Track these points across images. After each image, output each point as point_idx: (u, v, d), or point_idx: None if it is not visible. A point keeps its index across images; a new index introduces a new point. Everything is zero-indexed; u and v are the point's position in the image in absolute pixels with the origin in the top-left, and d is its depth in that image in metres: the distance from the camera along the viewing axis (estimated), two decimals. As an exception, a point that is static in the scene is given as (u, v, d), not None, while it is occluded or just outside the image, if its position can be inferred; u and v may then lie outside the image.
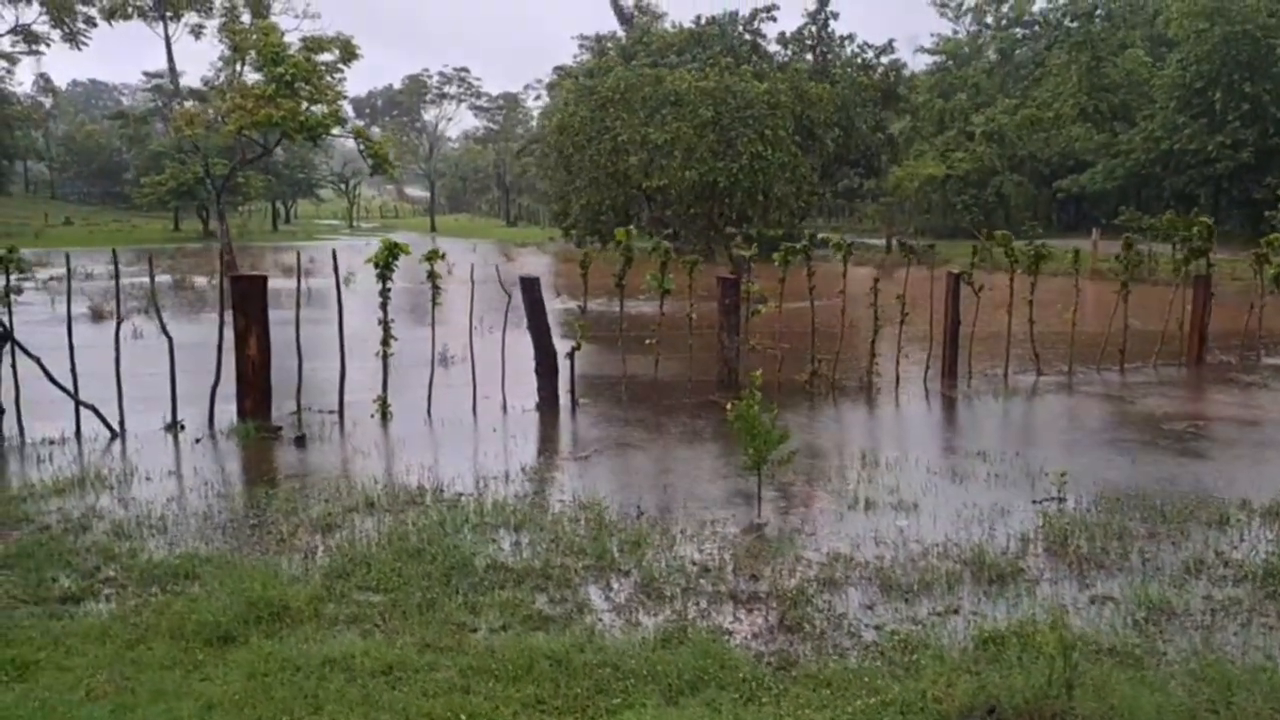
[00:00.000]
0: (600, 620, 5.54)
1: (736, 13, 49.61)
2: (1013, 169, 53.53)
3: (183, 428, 10.15)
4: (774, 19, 49.24)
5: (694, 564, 6.37)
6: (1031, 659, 4.86)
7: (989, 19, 76.64)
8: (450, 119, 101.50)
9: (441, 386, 11.49)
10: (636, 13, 58.50)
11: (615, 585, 6.05)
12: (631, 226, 12.48)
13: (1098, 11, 66.12)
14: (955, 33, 79.50)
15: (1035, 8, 71.66)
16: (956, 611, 5.66)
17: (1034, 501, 7.73)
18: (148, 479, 8.37)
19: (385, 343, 10.92)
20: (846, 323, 12.85)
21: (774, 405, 7.91)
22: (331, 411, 10.80)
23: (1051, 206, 56.06)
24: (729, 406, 7.65)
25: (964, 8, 78.71)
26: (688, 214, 38.14)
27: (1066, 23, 67.12)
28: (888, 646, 5.16)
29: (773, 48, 50.06)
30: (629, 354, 12.14)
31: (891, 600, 5.82)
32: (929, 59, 77.06)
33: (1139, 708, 4.35)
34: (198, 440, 9.84)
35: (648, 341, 11.99)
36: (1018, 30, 72.74)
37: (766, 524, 7.26)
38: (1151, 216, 34.58)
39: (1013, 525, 7.13)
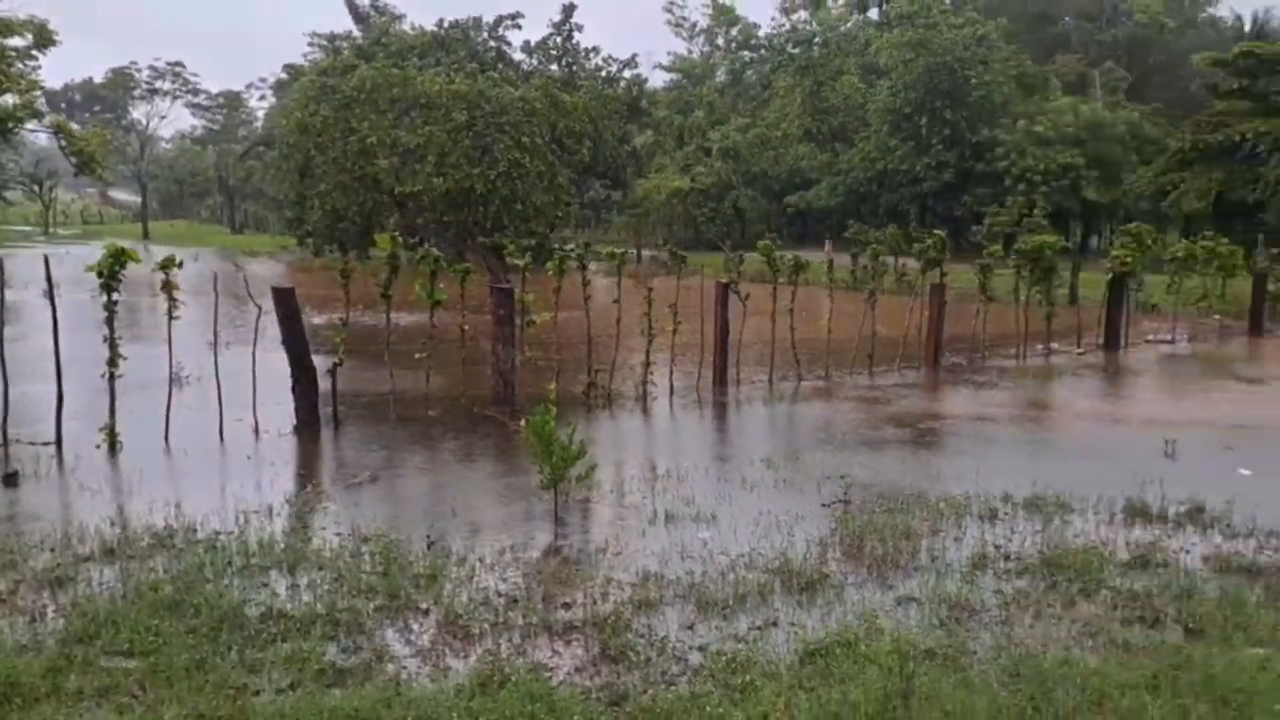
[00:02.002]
0: (404, 668, 4.96)
1: (480, 18, 48.97)
2: (747, 184, 56.31)
3: None
4: (519, 27, 49.10)
5: (499, 595, 5.90)
6: (860, 669, 4.81)
7: (720, 40, 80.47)
8: (164, 117, 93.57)
9: (180, 410, 10.26)
10: (373, 12, 56.43)
11: (415, 626, 5.47)
12: (397, 234, 11.71)
13: (816, 39, 71.01)
14: (690, 52, 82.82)
15: (761, 32, 76.00)
16: (775, 624, 5.54)
17: (823, 505, 7.85)
18: None
19: (113, 362, 9.60)
20: (620, 332, 12.74)
21: (571, 421, 7.57)
22: (47, 443, 9.36)
23: (782, 220, 59.43)
24: (522, 423, 7.23)
25: (697, 28, 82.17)
26: (441, 221, 36.96)
27: (789, 48, 71.60)
28: (716, 668, 4.94)
29: (518, 56, 49.88)
30: (397, 369, 11.39)
31: (710, 618, 5.62)
32: (667, 76, 79.78)
33: (974, 712, 4.36)
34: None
35: (417, 355, 11.30)
36: (746, 53, 76.82)
37: (569, 545, 6.90)
38: (876, 230, 37.31)
39: (809, 530, 7.16)
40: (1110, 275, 18.24)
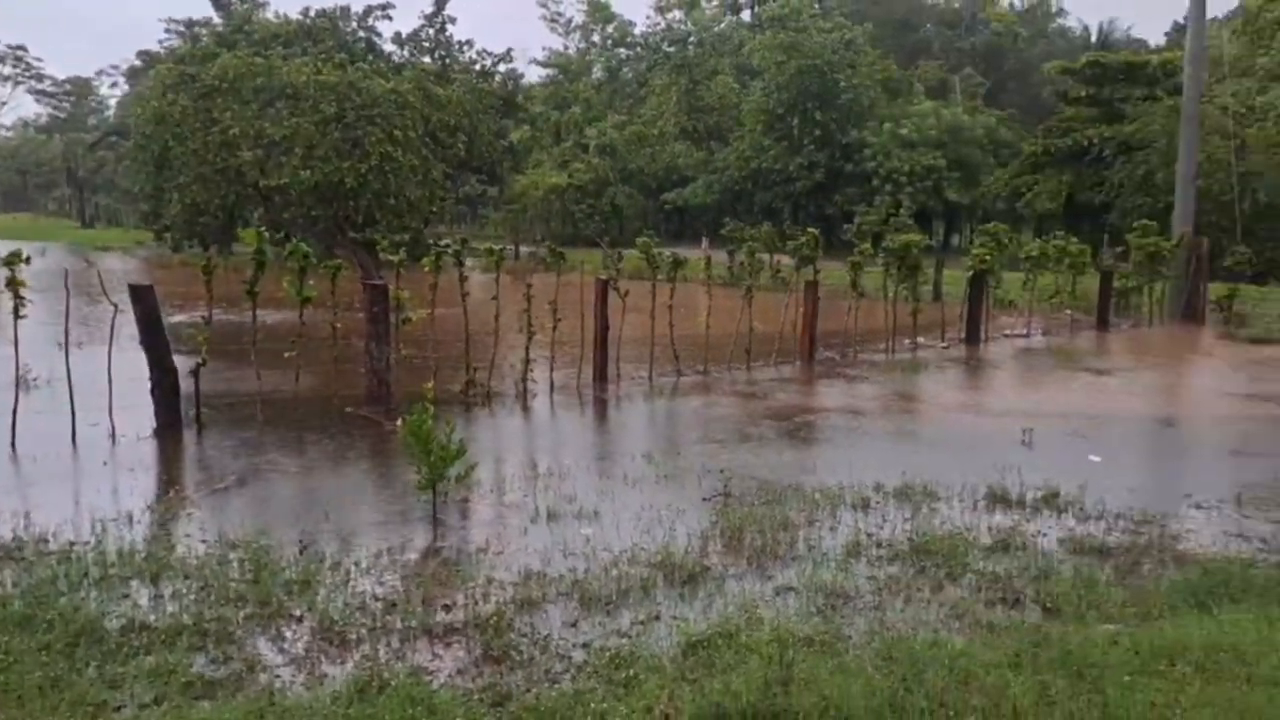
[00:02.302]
0: (277, 678, 4.79)
1: (349, 8, 47.73)
2: (624, 181, 56.60)
3: None
4: (389, 17, 48.09)
5: (376, 599, 5.76)
6: (741, 659, 4.89)
7: (596, 37, 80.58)
8: (4, 103, 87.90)
9: (28, 415, 9.64)
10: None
11: (288, 635, 5.29)
12: (263, 229, 11.29)
13: (691, 39, 71.87)
14: (566, 48, 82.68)
15: (637, 30, 76.48)
16: (658, 618, 5.58)
17: (704, 499, 7.95)
18: None
19: (-47, 364, 8.96)
20: (498, 329, 12.61)
21: (450, 420, 7.45)
22: (-124, 452, 8.68)
23: (660, 217, 59.97)
24: (398, 422, 7.07)
25: (573, 24, 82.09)
26: (309, 216, 35.80)
27: (665, 47, 72.27)
28: (600, 664, 4.94)
29: (389, 47, 48.84)
30: (264, 369, 10.98)
31: (593, 614, 5.62)
32: (543, 71, 79.44)
33: (850, 695, 4.47)
34: None
35: (286, 355, 10.92)
36: (622, 50, 77.16)
37: (448, 546, 6.79)
38: (751, 227, 37.97)
39: (690, 524, 7.24)
40: (971, 273, 19.05)
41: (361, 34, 47.90)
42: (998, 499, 8.00)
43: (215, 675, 4.76)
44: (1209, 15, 26.26)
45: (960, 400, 13.49)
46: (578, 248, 35.82)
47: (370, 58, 44.32)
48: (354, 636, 5.26)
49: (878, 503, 7.93)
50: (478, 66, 48.26)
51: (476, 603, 5.72)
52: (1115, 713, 4.30)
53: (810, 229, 18.73)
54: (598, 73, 76.51)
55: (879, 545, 6.89)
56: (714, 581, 6.15)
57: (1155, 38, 72.80)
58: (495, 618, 5.47)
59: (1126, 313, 23.12)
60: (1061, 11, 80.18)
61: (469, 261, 13.20)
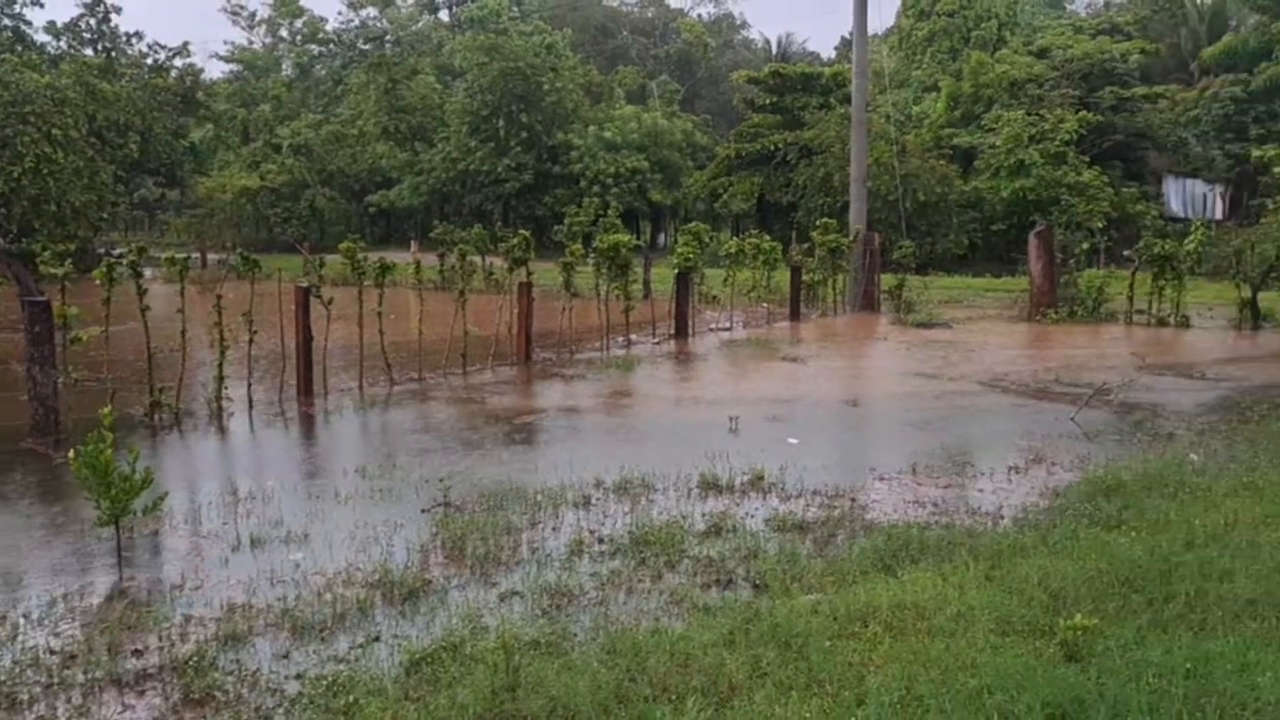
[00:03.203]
0: (-74, 760, 4.13)
1: (-9, -7, 42.46)
2: (324, 183, 54.23)
3: None
4: (41, 5, 43.24)
5: (52, 652, 5.12)
6: (467, 671, 4.79)
7: (284, 32, 76.67)
8: None
9: None
10: None
11: (-60, 707, 4.58)
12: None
13: (388, 37, 70.10)
14: (251, 43, 78.05)
15: (329, 26, 73.55)
16: (378, 639, 5.36)
17: (423, 510, 7.74)
18: None
19: None
20: (186, 345, 11.64)
21: (133, 447, 6.76)
22: None
23: (364, 220, 58.01)
24: (69, 453, 6.34)
25: (257, 18, 77.64)
26: (-49, 225, 31.37)
27: (360, 44, 70.01)
28: (316, 694, 4.67)
29: (41, 38, 43.88)
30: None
31: (306, 643, 5.30)
32: (225, 67, 74.56)
33: (576, 693, 4.50)
34: None
35: (-73, 384, 9.50)
36: (314, 47, 73.92)
37: (136, 586, 6.15)
38: (462, 230, 37.55)
39: (410, 538, 7.02)
40: (676, 270, 19.90)
41: (8, 23, 42.70)
42: (709, 486, 8.37)
43: None
44: (870, 32, 28.98)
45: (673, 393, 14.04)
46: (274, 254, 33.90)
47: (20, 49, 39.58)
48: (26, 697, 4.65)
49: (598, 499, 8.06)
50: (149, 61, 44.37)
51: (173, 644, 5.24)
52: (819, 676, 4.61)
53: (522, 230, 18.79)
54: (288, 69, 72.83)
55: (601, 541, 7.00)
56: (436, 595, 5.99)
57: (827, 51, 79.58)
58: (195, 658, 5.02)
59: (814, 303, 25.06)
60: (745, 24, 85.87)
61: (148, 272, 12.09)
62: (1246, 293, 21.48)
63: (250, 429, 11.32)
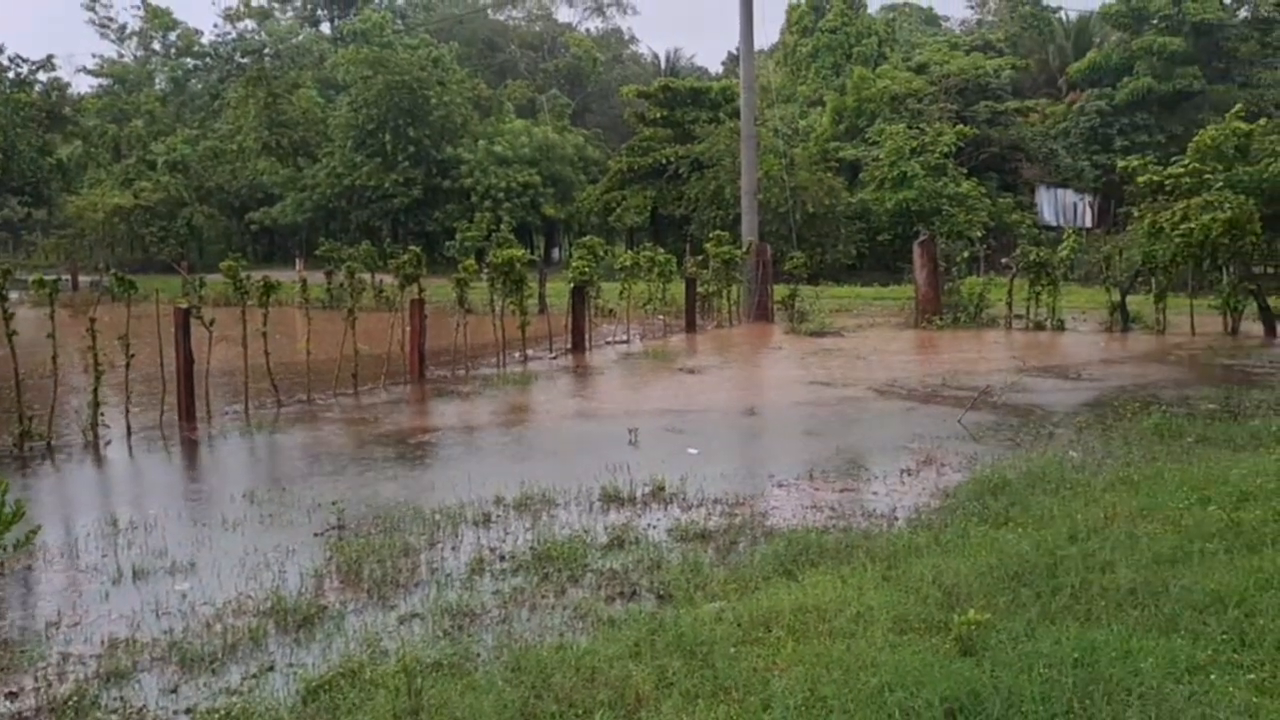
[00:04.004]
0: None
1: None
2: (202, 200, 52.50)
3: None
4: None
5: (-87, 704, 4.78)
6: (367, 697, 4.65)
7: (156, 45, 74.09)
8: None
9: None
10: None
11: None
12: None
13: (267, 50, 68.35)
14: (121, 56, 75.16)
15: (205, 39, 71.32)
16: (272, 668, 5.16)
17: (316, 534, 7.51)
18: None
19: None
20: (58, 371, 11.06)
21: (2, 479, 6.37)
22: None
23: (246, 238, 56.32)
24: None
25: (128, 30, 74.84)
26: None
27: (238, 58, 68.09)
28: (206, 731, 4.47)
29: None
30: None
31: (196, 676, 5.08)
32: (94, 81, 71.60)
33: (481, 713, 4.42)
34: None
35: None
36: (189, 60, 71.60)
37: (7, 625, 5.79)
38: (349, 247, 36.76)
39: (303, 563, 6.80)
40: (572, 284, 19.87)
41: None
42: (611, 498, 8.35)
43: None
44: (756, 48, 29.56)
45: (571, 407, 13.98)
46: (151, 274, 32.61)
47: None
48: (-118, 756, 4.32)
49: (499, 516, 7.95)
50: (11, 75, 42.25)
51: (50, 684, 4.94)
52: (724, 682, 4.62)
53: (412, 246, 18.50)
54: (161, 83, 70.28)
55: (503, 558, 6.90)
56: (332, 620, 5.81)
57: (714, 66, 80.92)
58: (75, 697, 4.76)
59: (710, 315, 25.34)
60: (634, 39, 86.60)
61: (14, 295, 11.46)
62: (1116, 297, 22.60)
63: (129, 456, 10.82)
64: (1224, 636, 4.85)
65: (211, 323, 12.33)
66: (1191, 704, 4.19)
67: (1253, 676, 4.40)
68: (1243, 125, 24.60)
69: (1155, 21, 48.53)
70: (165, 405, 12.26)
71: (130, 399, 11.76)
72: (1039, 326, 22.64)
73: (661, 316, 23.80)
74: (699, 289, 24.67)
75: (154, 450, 11.07)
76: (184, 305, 12.50)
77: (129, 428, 11.58)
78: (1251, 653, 4.66)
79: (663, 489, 8.56)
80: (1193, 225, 21.10)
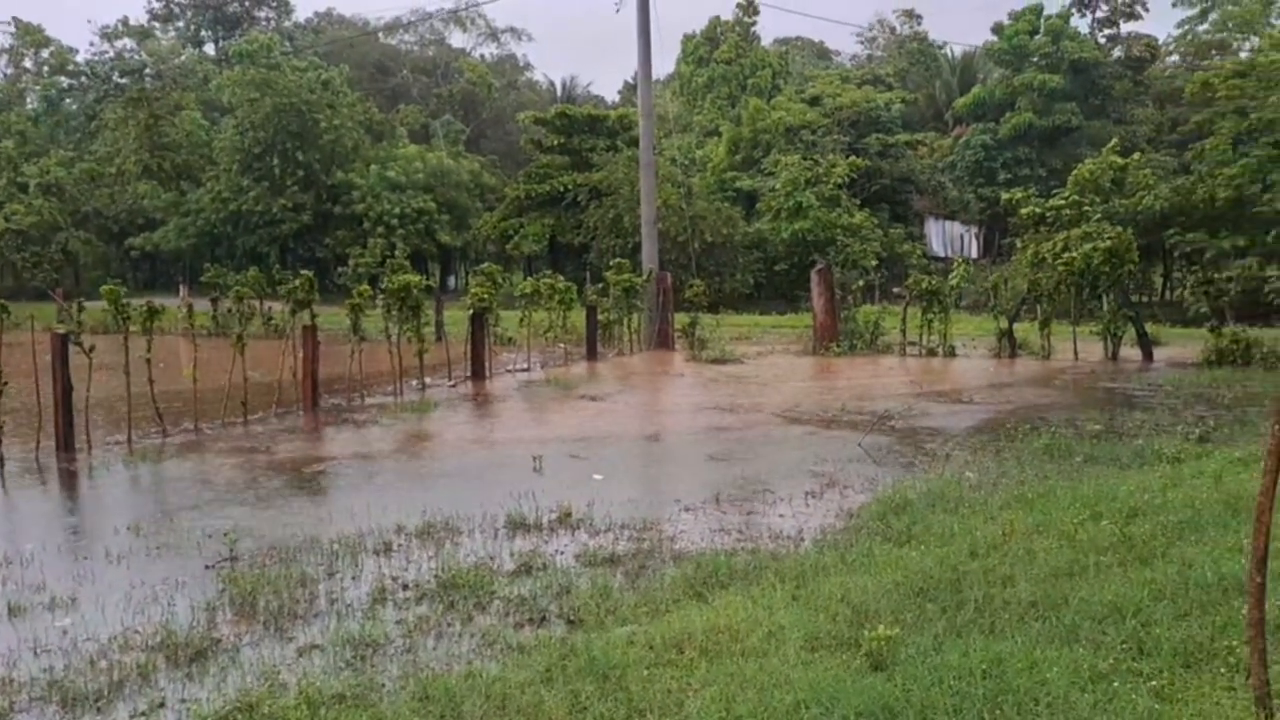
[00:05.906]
0: None
1: None
2: (78, 225, 50.28)
3: None
4: None
5: None
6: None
7: (28, 63, 71.00)
8: None
9: None
10: None
11: None
12: None
13: (147, 70, 66.12)
14: (-8, 73, 71.71)
15: (80, 58, 68.61)
16: (163, 705, 4.91)
17: (207, 566, 7.18)
18: None
19: None
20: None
21: None
22: None
23: (126, 264, 54.12)
24: None
25: (-2, 48, 71.48)
26: None
27: (116, 78, 65.69)
28: (92, 776, 4.20)
29: None
30: None
31: (80, 715, 4.79)
32: (-39, 99, 68.01)
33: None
34: None
35: None
36: (63, 79, 68.74)
37: None
38: (236, 273, 35.61)
39: (194, 596, 6.49)
40: (471, 311, 19.61)
41: None
42: (517, 525, 8.22)
43: None
44: (653, 77, 29.92)
45: (473, 435, 13.76)
46: (23, 301, 30.96)
47: None
48: None
49: (400, 544, 7.75)
50: None
51: (-88, 737, 4.58)
52: (639, 705, 4.57)
53: (303, 272, 18.00)
54: (33, 103, 67.20)
55: (406, 587, 6.72)
56: (227, 654, 5.56)
57: (611, 95, 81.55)
58: (-57, 748, 4.42)
59: (611, 343, 25.34)
60: (529, 66, 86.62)
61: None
62: (1003, 324, 23.48)
63: (3, 489, 10.19)
64: (1123, 646, 5.02)
65: (91, 349, 11.76)
66: (1097, 712, 4.32)
67: (1153, 684, 4.57)
68: (1118, 160, 26.03)
69: (1035, 59, 50.92)
70: (42, 436, 11.62)
71: (3, 429, 11.10)
72: (931, 353, 23.33)
73: (562, 345, 23.69)
74: (599, 317, 24.66)
75: (29, 482, 10.46)
76: (61, 331, 11.88)
77: (1, 459, 10.91)
78: (1150, 661, 4.84)
79: (569, 515, 8.47)
80: (1074, 255, 22.12)
